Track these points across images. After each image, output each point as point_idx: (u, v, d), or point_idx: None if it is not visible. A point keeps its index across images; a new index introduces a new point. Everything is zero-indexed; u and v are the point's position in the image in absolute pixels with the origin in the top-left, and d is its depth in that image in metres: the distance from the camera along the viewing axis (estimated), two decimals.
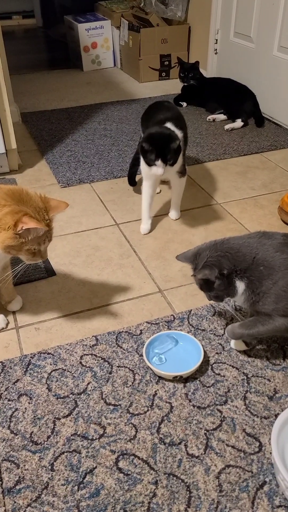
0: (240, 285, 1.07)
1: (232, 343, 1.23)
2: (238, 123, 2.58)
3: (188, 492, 0.91)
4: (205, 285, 1.10)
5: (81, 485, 0.92)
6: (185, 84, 2.85)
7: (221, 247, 1.08)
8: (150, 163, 1.52)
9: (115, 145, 2.42)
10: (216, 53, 3.12)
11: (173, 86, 3.24)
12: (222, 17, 2.96)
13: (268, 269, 1.04)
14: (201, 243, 1.16)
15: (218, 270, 1.04)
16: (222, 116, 2.69)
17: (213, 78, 2.98)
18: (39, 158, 2.32)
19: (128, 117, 2.78)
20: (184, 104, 2.91)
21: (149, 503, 0.90)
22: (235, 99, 2.64)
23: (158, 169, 1.51)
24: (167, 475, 0.94)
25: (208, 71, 3.20)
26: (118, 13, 3.58)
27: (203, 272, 1.06)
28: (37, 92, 3.29)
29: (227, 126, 2.57)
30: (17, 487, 0.92)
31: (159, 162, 1.49)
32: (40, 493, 0.91)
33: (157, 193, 1.98)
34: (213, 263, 1.05)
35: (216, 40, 3.07)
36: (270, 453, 0.98)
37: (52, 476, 0.94)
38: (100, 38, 3.66)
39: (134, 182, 2.03)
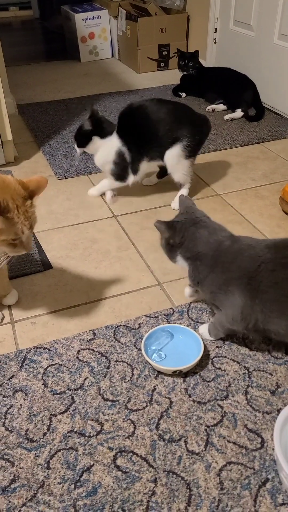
0: (180, 259, 1.17)
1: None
2: (238, 113, 2.53)
3: (188, 490, 0.88)
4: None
5: (78, 484, 0.90)
6: (185, 73, 2.80)
7: (194, 219, 1.14)
8: None
9: None
10: (215, 42, 3.07)
11: (172, 76, 3.18)
12: (221, 5, 2.91)
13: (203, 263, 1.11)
14: None
15: (168, 234, 1.14)
16: (221, 106, 2.64)
17: (212, 67, 2.92)
18: (36, 150, 2.28)
19: None
20: (183, 94, 2.86)
21: (148, 501, 0.87)
22: (234, 88, 2.59)
23: None
24: (166, 472, 0.91)
25: (208, 60, 3.15)
26: (116, 2, 3.52)
27: (158, 225, 1.14)
28: (34, 83, 3.24)
29: (226, 116, 2.52)
30: (12, 486, 0.89)
31: None
32: (35, 492, 0.88)
33: (153, 184, 1.94)
34: (170, 226, 1.14)
35: (216, 29, 3.01)
36: (273, 449, 0.95)
37: (48, 474, 0.91)
38: (98, 28, 3.60)
39: None
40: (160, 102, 1.73)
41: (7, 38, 4.61)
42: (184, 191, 1.80)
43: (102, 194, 1.89)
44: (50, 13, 4.79)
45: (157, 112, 1.69)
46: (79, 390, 1.08)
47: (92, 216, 1.77)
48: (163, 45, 3.32)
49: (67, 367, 1.14)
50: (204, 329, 1.21)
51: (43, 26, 5.01)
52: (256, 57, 2.67)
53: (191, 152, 1.72)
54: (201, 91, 2.80)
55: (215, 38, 3.05)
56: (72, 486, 0.89)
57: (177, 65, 2.85)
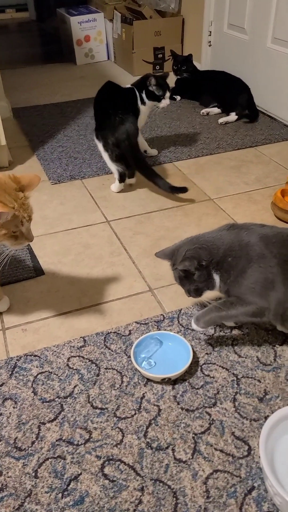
0: (216, 277, 1.10)
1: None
2: (232, 116, 2.54)
3: (174, 499, 0.89)
4: (185, 278, 1.11)
5: (65, 493, 0.90)
6: (178, 77, 2.80)
7: (197, 241, 1.12)
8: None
9: None
10: (210, 45, 3.07)
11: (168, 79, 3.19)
12: (215, 9, 2.91)
13: (235, 259, 1.07)
14: None
15: (197, 261, 1.07)
16: (216, 110, 2.65)
17: (207, 71, 2.93)
18: (30, 154, 2.28)
19: None
20: (178, 97, 2.87)
21: (134, 510, 0.87)
22: (229, 92, 2.60)
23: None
24: (153, 481, 0.92)
25: (202, 63, 3.15)
26: (111, 5, 3.53)
27: (183, 263, 1.08)
28: (30, 86, 3.24)
29: (220, 120, 2.53)
30: (0, 495, 0.90)
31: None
32: (23, 501, 0.89)
33: (130, 184, 1.98)
34: (192, 254, 1.08)
35: (210, 32, 3.01)
36: (259, 457, 0.95)
37: (35, 483, 0.92)
38: (93, 31, 3.61)
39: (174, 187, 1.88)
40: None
41: (4, 40, 4.62)
42: None
43: (94, 198, 1.90)
44: (46, 15, 4.79)
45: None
46: (68, 398, 1.09)
47: (85, 221, 1.77)
48: (158, 48, 3.33)
49: (57, 375, 1.15)
50: (196, 323, 1.17)
51: (40, 28, 5.01)
52: (250, 60, 2.68)
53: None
54: (196, 94, 2.80)
55: (210, 41, 3.05)
56: (60, 495, 0.90)
57: (171, 68, 2.86)
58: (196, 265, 1.07)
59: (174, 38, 3.35)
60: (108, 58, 3.77)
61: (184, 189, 1.85)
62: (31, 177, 1.15)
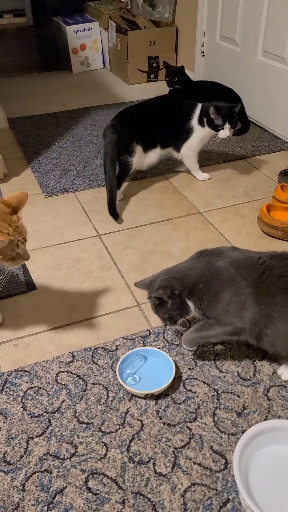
0: (191, 304, 1.17)
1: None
2: None
3: (153, 511, 0.94)
4: (160, 306, 1.19)
5: (51, 505, 0.96)
6: (171, 88, 2.85)
7: (171, 272, 1.20)
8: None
9: (100, 152, 2.43)
10: (203, 56, 3.12)
11: (162, 88, 3.22)
12: (208, 20, 2.96)
13: (206, 285, 1.14)
14: (180, 255, 1.34)
15: (170, 290, 1.15)
16: None
17: (199, 81, 2.97)
18: (25, 166, 2.33)
19: None
20: None
21: None
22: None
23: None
24: (134, 494, 0.98)
25: (196, 73, 3.20)
26: (106, 14, 3.58)
27: (157, 292, 1.16)
28: (26, 96, 3.29)
29: None
30: None
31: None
32: None
33: (120, 199, 2.02)
34: (166, 284, 1.16)
35: (203, 42, 3.06)
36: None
37: (23, 496, 0.97)
38: (89, 39, 3.66)
39: (117, 214, 1.90)
40: None
41: (1, 47, 4.67)
42: None
43: (86, 211, 1.95)
44: (44, 21, 4.84)
45: None
46: (56, 413, 1.14)
47: (76, 235, 1.83)
48: (152, 57, 3.38)
49: (46, 390, 1.20)
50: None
51: (37, 34, 5.05)
52: (242, 72, 2.72)
53: None
54: None
55: (203, 52, 3.10)
56: (45, 508, 0.95)
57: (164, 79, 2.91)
58: (169, 294, 1.14)
59: (168, 48, 3.40)
60: (104, 66, 3.82)
61: (116, 218, 1.89)
62: (19, 195, 1.19)
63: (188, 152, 2.08)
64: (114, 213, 1.90)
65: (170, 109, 2.05)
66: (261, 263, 1.13)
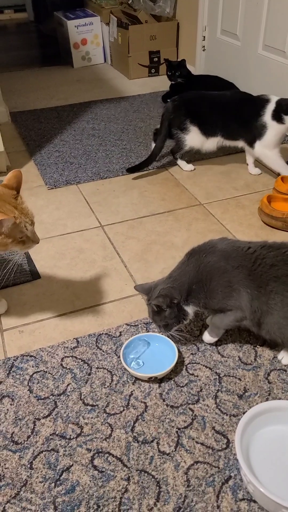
0: (189, 309, 1.21)
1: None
2: None
3: (157, 488, 0.97)
4: (157, 314, 1.21)
5: (58, 482, 0.99)
6: (173, 82, 2.87)
7: (169, 280, 1.21)
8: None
9: (102, 145, 2.46)
10: (204, 50, 3.14)
11: (163, 82, 3.25)
12: (209, 14, 2.98)
13: (198, 284, 1.17)
14: (182, 246, 1.33)
15: (169, 299, 1.17)
16: None
17: (200, 75, 3.00)
18: (28, 159, 2.36)
19: (117, 116, 2.82)
20: None
21: (120, 498, 0.96)
22: None
23: None
24: (139, 471, 1.00)
25: (197, 67, 3.22)
26: (107, 9, 3.59)
27: (157, 299, 1.18)
28: (27, 90, 3.31)
29: None
30: None
31: None
32: (19, 490, 0.97)
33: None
34: (166, 293, 1.18)
35: (204, 37, 3.08)
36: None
37: (30, 474, 1.00)
38: (90, 34, 3.67)
39: (133, 171, 2.14)
40: None
41: (2, 42, 4.68)
42: None
43: (89, 203, 1.98)
44: (44, 16, 4.85)
45: None
46: (61, 395, 1.17)
47: (80, 226, 1.85)
48: (153, 52, 3.39)
49: (51, 374, 1.23)
50: (206, 336, 1.28)
51: (38, 29, 5.06)
52: (243, 66, 2.74)
53: None
54: None
55: (204, 46, 3.12)
56: (53, 484, 0.98)
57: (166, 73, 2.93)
58: (168, 303, 1.17)
59: (169, 42, 3.41)
60: (105, 61, 3.84)
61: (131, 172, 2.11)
62: (15, 175, 1.21)
63: (265, 150, 2.00)
64: (133, 170, 2.13)
65: (239, 102, 2.04)
66: (251, 253, 1.15)
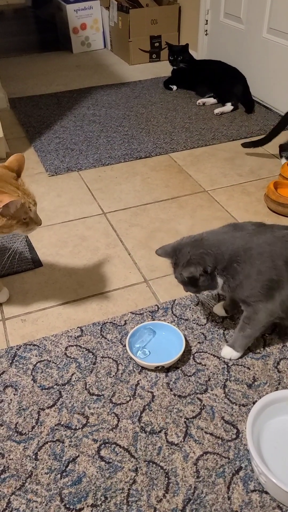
0: (220, 281, 1.11)
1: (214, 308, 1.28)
2: (228, 107, 2.56)
3: (166, 479, 0.95)
4: (189, 282, 1.11)
5: (64, 474, 0.96)
6: (175, 67, 2.81)
7: (202, 244, 1.09)
8: None
9: (103, 131, 2.41)
10: (206, 34, 3.07)
11: (164, 68, 3.19)
12: None
13: (240, 265, 1.07)
14: (186, 233, 1.19)
15: (202, 267, 1.06)
16: (212, 100, 2.66)
17: (203, 60, 2.93)
18: (27, 146, 2.31)
19: (117, 102, 2.76)
20: (174, 87, 2.88)
21: (129, 489, 0.93)
22: (225, 82, 2.61)
23: None
24: (147, 462, 0.98)
25: (199, 52, 3.15)
26: None
27: (188, 270, 1.07)
28: (26, 76, 3.24)
29: (216, 110, 2.55)
30: (2, 476, 0.96)
31: None
32: (24, 481, 0.95)
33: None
34: (198, 261, 1.07)
35: (206, 20, 3.01)
36: (246, 439, 1.01)
37: (36, 465, 0.98)
38: (89, 19, 3.59)
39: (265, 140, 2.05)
40: None
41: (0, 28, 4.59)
42: None
43: (91, 190, 1.93)
44: (42, 1, 4.75)
45: None
46: (66, 385, 1.14)
47: (82, 213, 1.81)
48: (154, 37, 3.32)
49: (55, 363, 1.20)
50: (227, 351, 1.20)
51: (36, 15, 4.96)
52: (246, 50, 2.68)
53: None
54: (192, 84, 2.81)
55: (206, 30, 3.05)
56: (58, 476, 0.96)
57: (167, 58, 2.86)
58: (201, 272, 1.07)
59: (171, 27, 3.34)
60: (105, 46, 3.76)
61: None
62: (17, 158, 1.19)
63: None
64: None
65: None
66: None
